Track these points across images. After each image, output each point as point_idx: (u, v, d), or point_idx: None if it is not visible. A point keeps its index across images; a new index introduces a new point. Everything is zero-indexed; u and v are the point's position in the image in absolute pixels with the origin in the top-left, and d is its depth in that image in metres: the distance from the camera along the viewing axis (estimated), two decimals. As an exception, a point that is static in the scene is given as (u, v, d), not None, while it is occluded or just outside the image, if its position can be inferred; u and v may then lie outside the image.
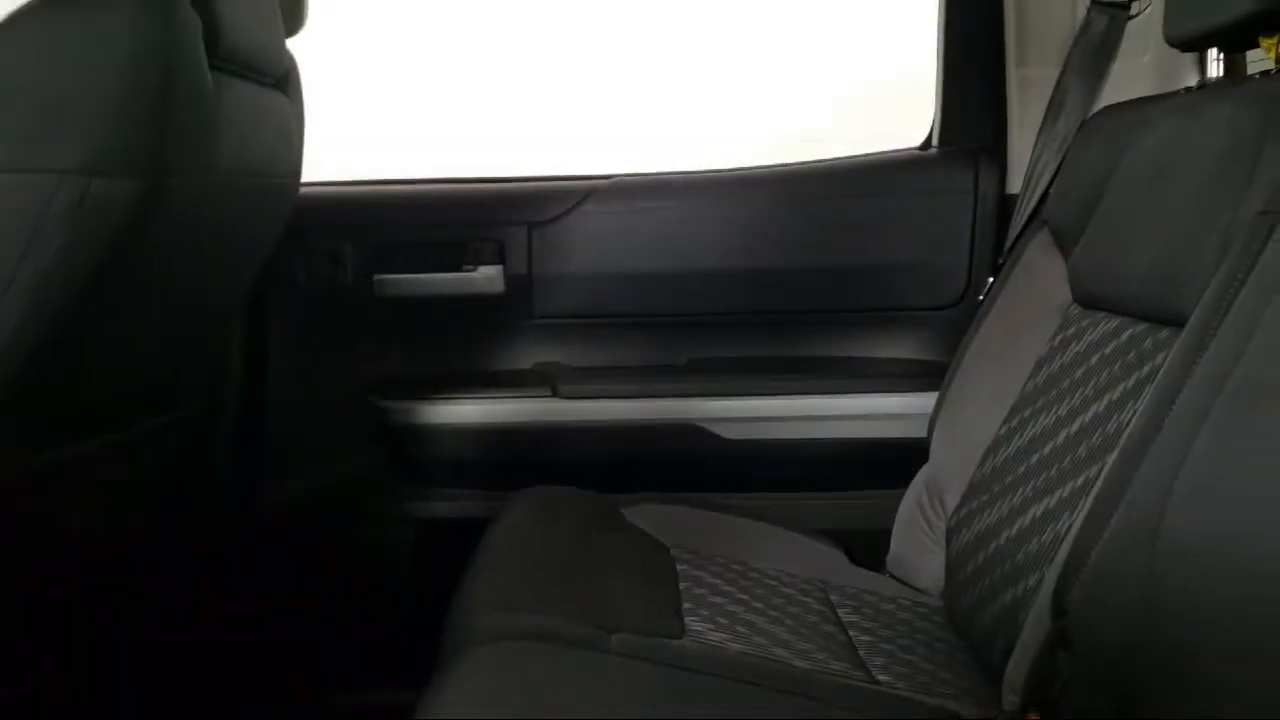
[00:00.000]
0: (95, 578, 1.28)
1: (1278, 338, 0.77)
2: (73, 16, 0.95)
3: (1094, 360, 1.15)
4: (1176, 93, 1.24)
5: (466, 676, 0.89)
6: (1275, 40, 1.11)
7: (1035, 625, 0.99)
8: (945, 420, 1.41)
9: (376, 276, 1.64)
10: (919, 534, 1.36)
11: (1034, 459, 1.16)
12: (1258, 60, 1.14)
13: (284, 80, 1.29)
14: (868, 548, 1.42)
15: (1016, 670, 1.00)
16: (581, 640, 0.97)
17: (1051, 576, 0.96)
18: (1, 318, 0.95)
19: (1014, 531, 1.14)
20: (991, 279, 1.48)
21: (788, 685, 0.97)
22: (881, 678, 1.05)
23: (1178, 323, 0.94)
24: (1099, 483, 0.97)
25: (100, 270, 0.99)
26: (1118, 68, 1.47)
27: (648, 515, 1.38)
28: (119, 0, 0.95)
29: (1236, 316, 0.84)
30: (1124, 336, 1.11)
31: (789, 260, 1.67)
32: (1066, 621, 0.91)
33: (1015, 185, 1.57)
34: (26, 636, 1.16)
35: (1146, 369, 1.04)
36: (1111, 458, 0.95)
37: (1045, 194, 1.44)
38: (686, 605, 1.13)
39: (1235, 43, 1.16)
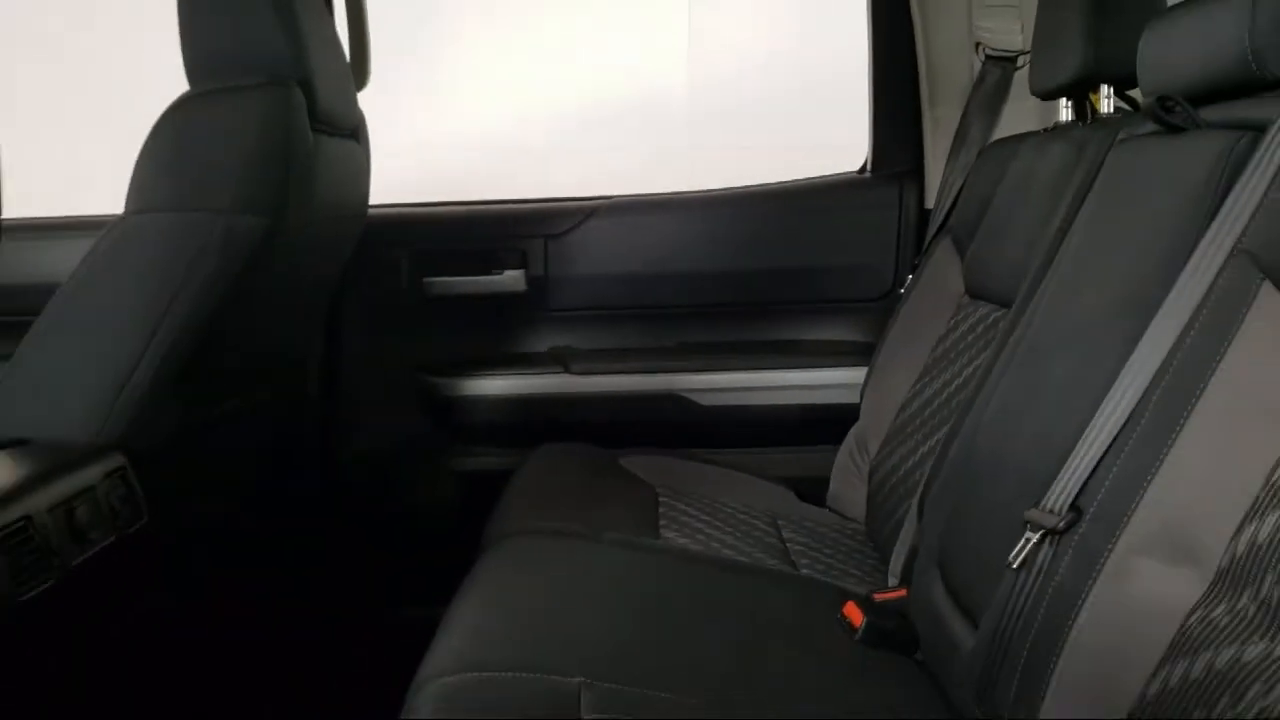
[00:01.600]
0: (218, 512, 1.62)
1: (1048, 312, 1.09)
2: (221, 100, 1.30)
3: (970, 338, 1.46)
4: (1038, 132, 1.52)
5: (501, 556, 1.23)
6: (1099, 95, 1.44)
7: (908, 528, 1.32)
8: (871, 387, 1.70)
9: (425, 279, 1.90)
10: (851, 477, 1.65)
11: (926, 413, 1.48)
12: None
13: (356, 130, 1.61)
14: (813, 490, 1.70)
15: (896, 560, 1.34)
16: (581, 535, 1.29)
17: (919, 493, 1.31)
18: (170, 321, 1.26)
19: (909, 466, 1.46)
20: (910, 276, 1.76)
21: (730, 569, 1.31)
22: (804, 571, 1.37)
23: None
24: (950, 424, 1.32)
25: (239, 285, 1.31)
26: (1010, 108, 1.75)
27: (640, 465, 1.66)
28: (252, 89, 1.30)
29: (1036, 301, 1.17)
30: (990, 319, 1.42)
31: (753, 263, 1.93)
32: (924, 521, 1.25)
33: (931, 202, 1.85)
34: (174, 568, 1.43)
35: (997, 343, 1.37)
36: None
37: (951, 209, 1.71)
38: (663, 522, 1.44)
39: (1075, 95, 1.45)
